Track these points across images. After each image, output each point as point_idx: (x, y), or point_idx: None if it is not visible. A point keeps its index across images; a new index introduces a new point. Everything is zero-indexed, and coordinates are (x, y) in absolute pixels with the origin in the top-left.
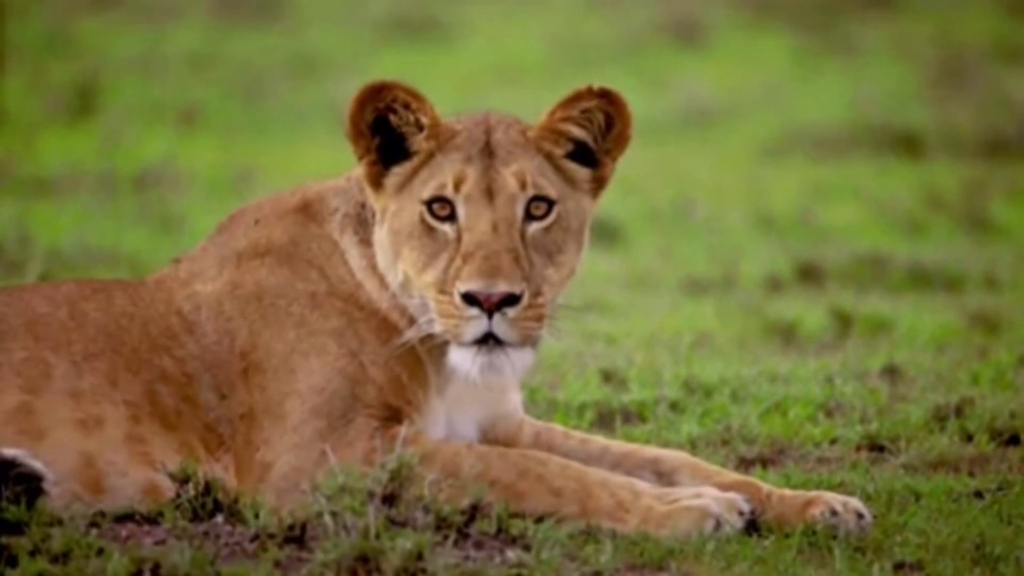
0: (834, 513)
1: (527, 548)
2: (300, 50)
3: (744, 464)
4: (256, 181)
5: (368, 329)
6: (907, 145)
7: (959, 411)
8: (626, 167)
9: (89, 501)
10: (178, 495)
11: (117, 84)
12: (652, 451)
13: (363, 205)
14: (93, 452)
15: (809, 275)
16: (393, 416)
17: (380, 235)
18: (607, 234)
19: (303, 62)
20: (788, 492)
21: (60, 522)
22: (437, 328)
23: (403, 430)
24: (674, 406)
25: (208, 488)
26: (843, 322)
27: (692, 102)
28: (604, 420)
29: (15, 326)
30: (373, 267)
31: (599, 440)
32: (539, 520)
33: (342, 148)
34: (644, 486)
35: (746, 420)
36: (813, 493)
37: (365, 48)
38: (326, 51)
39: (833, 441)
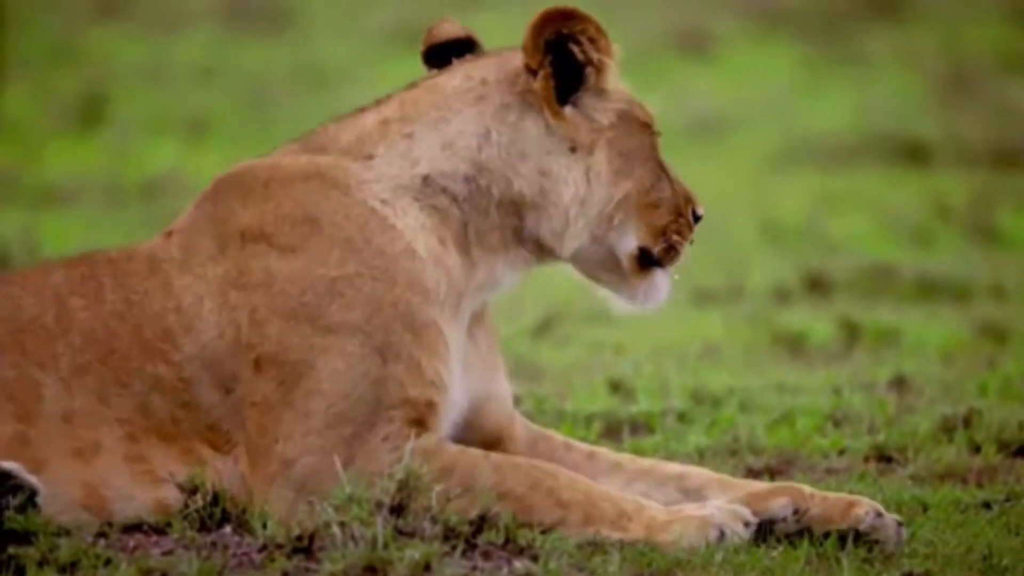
0: (879, 515)
1: (535, 558)
2: (307, 60)
3: (752, 475)
4: None
5: (398, 311)
6: (914, 155)
7: (967, 422)
8: None
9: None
10: (186, 505)
11: (124, 94)
12: (675, 467)
13: (438, 173)
14: (95, 481)
15: (817, 285)
16: (417, 418)
17: (583, 159)
18: None
19: (310, 72)
20: (831, 494)
21: (68, 532)
22: (658, 246)
23: (425, 441)
24: (682, 417)
25: (216, 498)
26: (851, 333)
27: (700, 112)
28: (611, 431)
29: (1, 336)
30: (434, 227)
31: (608, 455)
32: (545, 531)
33: None
34: (648, 501)
35: (754, 431)
36: (854, 496)
37: (372, 58)
38: (333, 61)
39: (841, 452)
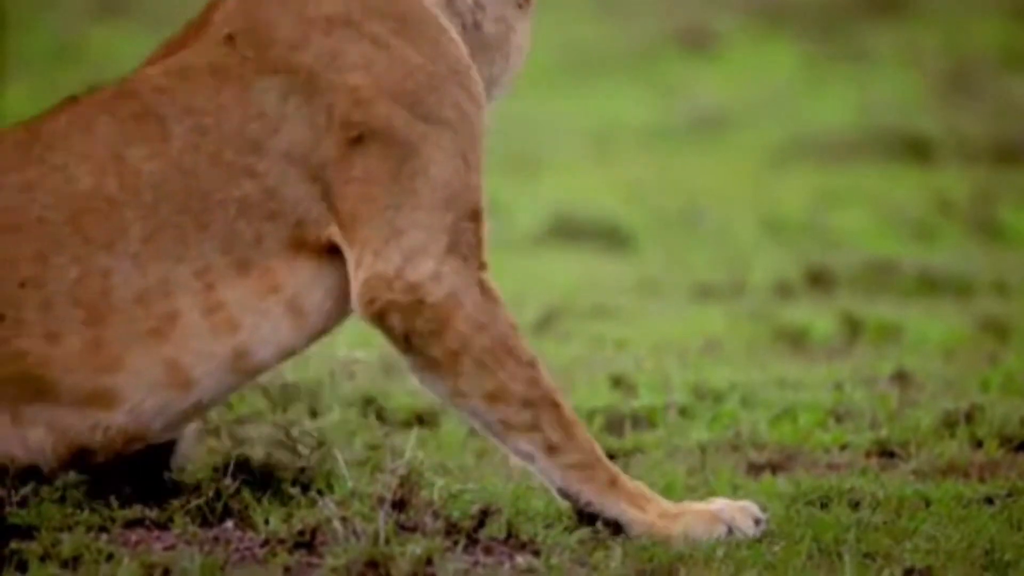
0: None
1: (536, 553)
2: None
3: (754, 470)
4: None
5: (473, 124)
6: (916, 151)
7: (969, 417)
8: (634, 173)
9: (180, 402)
10: (188, 500)
11: None
12: None
13: None
14: (174, 353)
15: (818, 281)
16: (482, 237)
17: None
18: (615, 240)
19: None
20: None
21: (69, 527)
22: None
23: (485, 277)
24: (683, 412)
25: (219, 494)
26: (852, 328)
27: (701, 109)
28: (613, 426)
29: (59, 228)
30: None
31: None
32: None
33: None
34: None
35: (756, 426)
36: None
37: None
38: None
39: (843, 447)
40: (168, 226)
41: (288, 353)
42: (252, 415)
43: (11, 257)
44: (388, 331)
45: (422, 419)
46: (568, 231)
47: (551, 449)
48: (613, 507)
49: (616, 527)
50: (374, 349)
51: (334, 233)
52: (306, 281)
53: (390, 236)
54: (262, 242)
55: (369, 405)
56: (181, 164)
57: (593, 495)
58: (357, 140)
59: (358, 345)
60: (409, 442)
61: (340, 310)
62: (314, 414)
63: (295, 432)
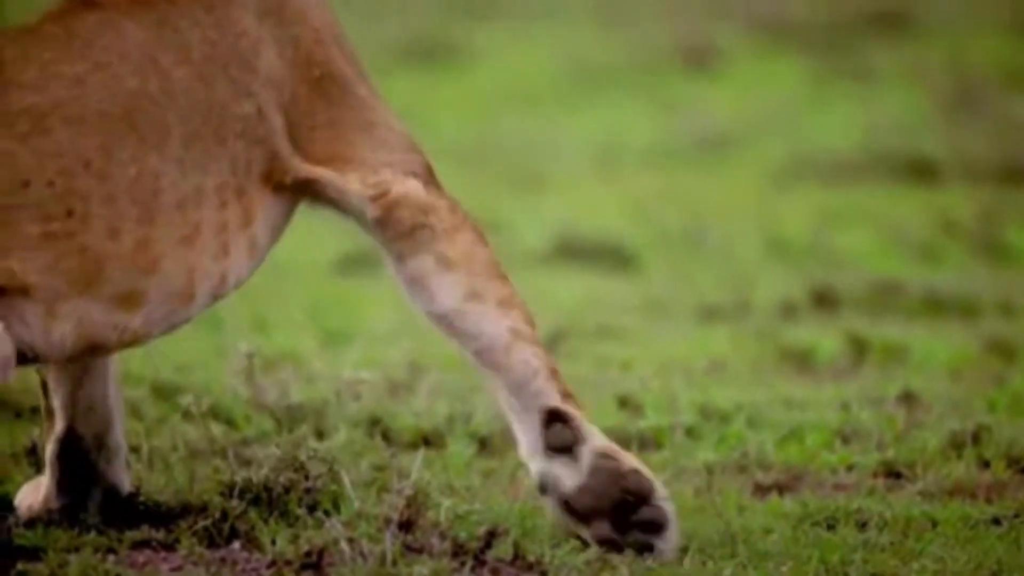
0: None
1: (543, 574)
2: None
3: (761, 490)
4: None
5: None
6: (920, 171)
7: (976, 438)
8: (637, 191)
9: (180, 315)
10: (195, 521)
11: None
12: None
13: None
14: (194, 264)
15: (823, 301)
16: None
17: None
18: (619, 259)
19: None
20: None
21: (77, 549)
22: None
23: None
24: (690, 432)
25: (224, 515)
26: (858, 348)
27: (704, 127)
28: (620, 446)
29: (117, 123)
30: None
31: None
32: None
33: None
34: None
35: (762, 446)
36: None
37: (377, 71)
38: None
39: (850, 468)
40: (198, 136)
41: (235, 289)
42: (258, 436)
43: (79, 149)
44: (395, 224)
45: (428, 440)
46: (572, 250)
47: (553, 371)
48: (590, 429)
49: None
50: (379, 370)
51: (299, 169)
52: (264, 217)
53: (380, 168)
54: (251, 169)
55: (375, 426)
56: (202, 74)
57: (579, 421)
58: (319, 80)
59: (364, 366)
60: (415, 463)
61: (264, 255)
62: (320, 435)
63: (301, 453)
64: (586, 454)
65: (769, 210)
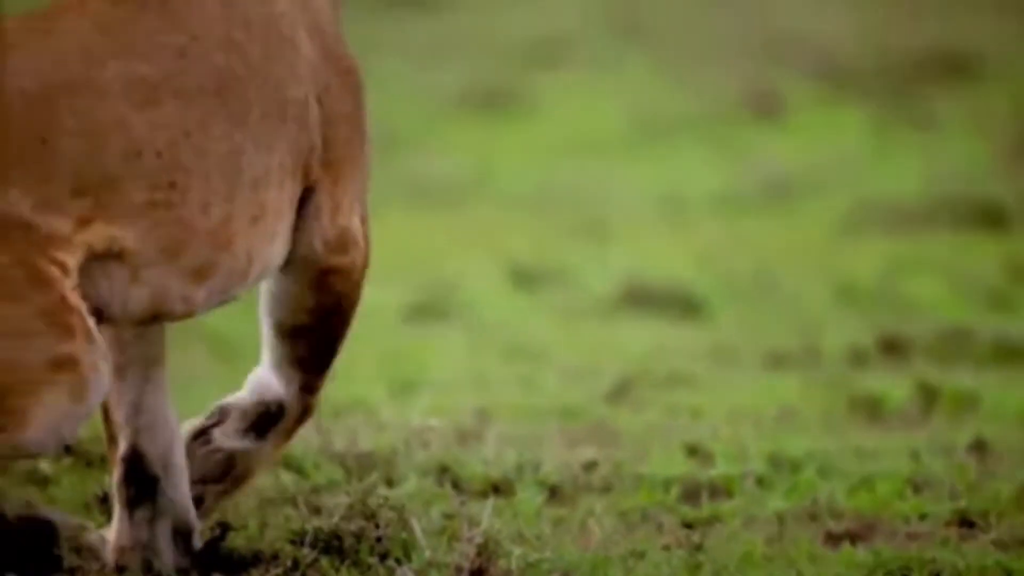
0: None
1: None
2: (378, 123)
3: (832, 540)
4: None
5: None
6: (987, 217)
7: None
8: (704, 239)
9: (230, 293)
10: (266, 569)
11: None
12: None
13: None
14: (254, 245)
15: (893, 349)
16: None
17: None
18: (688, 307)
19: (381, 135)
20: None
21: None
22: None
23: None
24: (760, 481)
25: (296, 563)
26: (928, 396)
27: (769, 174)
28: (690, 495)
29: (211, 99)
30: None
31: None
32: None
33: (421, 222)
34: None
35: (833, 495)
36: None
37: (441, 119)
38: (404, 124)
39: (922, 517)
40: (268, 115)
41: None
42: (329, 484)
43: (183, 123)
44: (322, 285)
45: (497, 488)
46: (639, 298)
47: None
48: None
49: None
50: (448, 418)
51: (316, 172)
52: (288, 213)
53: (353, 193)
54: (299, 156)
55: (444, 474)
56: (268, 52)
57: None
58: (347, 73)
59: (433, 414)
60: (485, 511)
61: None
62: (390, 483)
63: (372, 501)
64: None
65: (836, 257)
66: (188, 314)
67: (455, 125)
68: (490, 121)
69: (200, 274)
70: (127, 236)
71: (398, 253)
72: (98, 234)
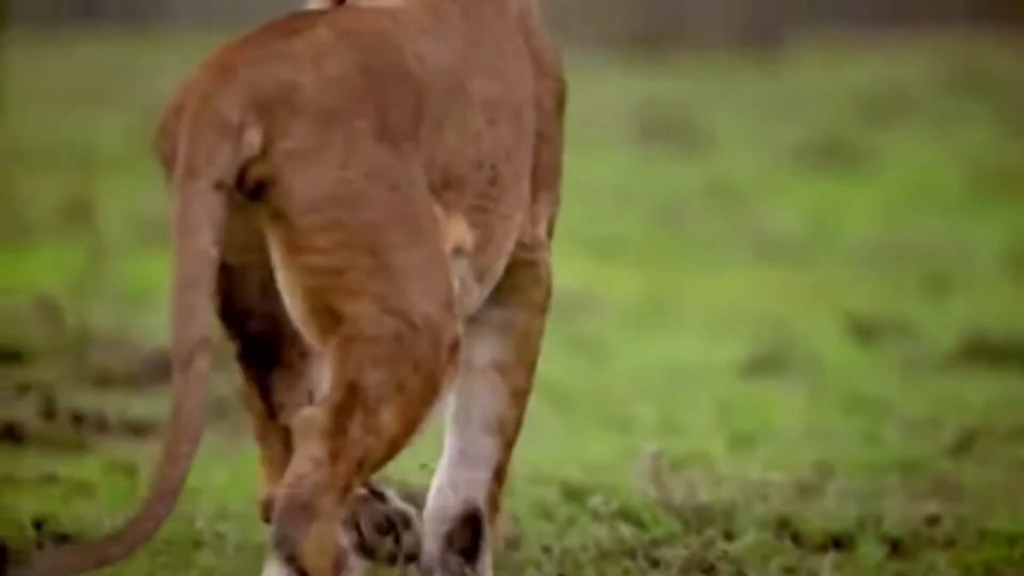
0: None
1: None
2: (720, 177)
3: None
4: (672, 310)
5: None
6: None
7: None
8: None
9: (476, 298)
10: None
11: None
12: None
13: None
14: (503, 255)
15: None
16: None
17: None
18: None
19: (722, 190)
20: None
21: None
22: None
23: None
24: None
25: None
26: None
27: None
28: None
29: (514, 113)
30: None
31: None
32: None
33: (762, 276)
34: None
35: None
36: None
37: (784, 174)
38: (746, 179)
39: None
40: (524, 138)
41: None
42: (667, 537)
43: (506, 140)
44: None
45: (838, 542)
46: (982, 351)
47: None
48: None
49: None
50: (788, 471)
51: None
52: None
53: (542, 213)
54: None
55: (784, 528)
56: (503, 66)
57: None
58: (559, 96)
59: (772, 467)
60: (825, 565)
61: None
62: (729, 536)
63: (710, 554)
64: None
65: None
66: (466, 314)
67: (799, 180)
68: (832, 176)
69: (479, 277)
70: (467, 234)
71: (739, 307)
72: (458, 227)
